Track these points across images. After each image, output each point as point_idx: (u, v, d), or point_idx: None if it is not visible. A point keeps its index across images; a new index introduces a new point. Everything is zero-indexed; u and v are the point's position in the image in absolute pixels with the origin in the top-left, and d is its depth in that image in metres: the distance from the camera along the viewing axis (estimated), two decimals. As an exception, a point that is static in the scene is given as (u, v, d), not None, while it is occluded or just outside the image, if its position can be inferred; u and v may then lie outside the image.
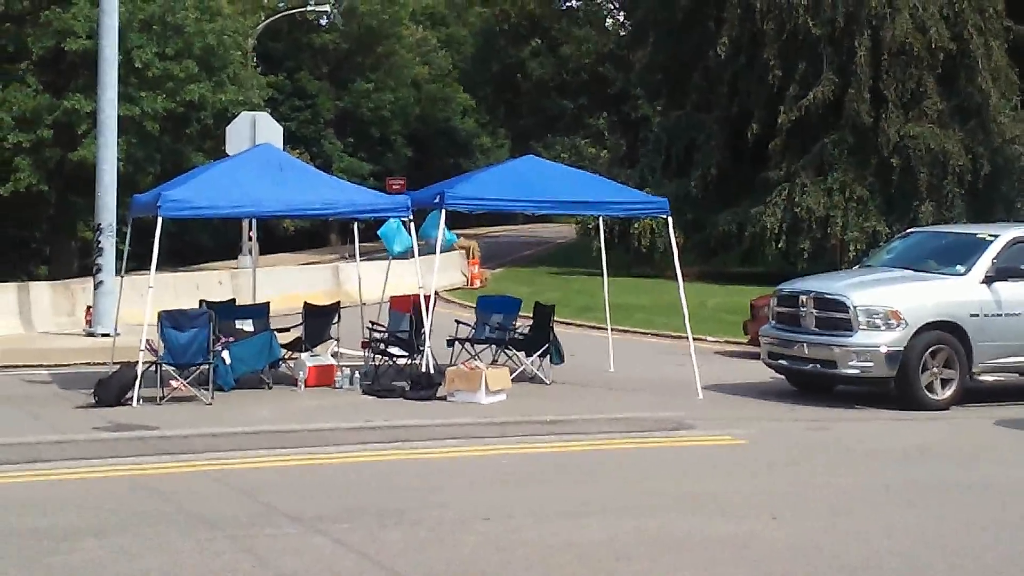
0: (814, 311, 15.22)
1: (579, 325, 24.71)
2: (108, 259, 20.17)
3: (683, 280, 16.68)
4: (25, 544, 7.99)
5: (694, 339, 16.65)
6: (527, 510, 9.17)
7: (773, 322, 16.04)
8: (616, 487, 10.20)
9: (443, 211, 15.90)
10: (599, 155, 50.97)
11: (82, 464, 10.83)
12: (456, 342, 16.96)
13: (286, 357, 16.42)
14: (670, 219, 17.06)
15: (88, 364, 17.78)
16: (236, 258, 40.88)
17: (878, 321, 14.63)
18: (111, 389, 14.04)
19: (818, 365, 15.13)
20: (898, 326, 14.59)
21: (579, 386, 16.34)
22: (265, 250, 33.42)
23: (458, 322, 17.57)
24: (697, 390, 15.45)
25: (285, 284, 28.43)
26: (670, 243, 17.52)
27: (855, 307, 14.72)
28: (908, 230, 19.92)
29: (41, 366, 17.82)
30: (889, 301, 14.77)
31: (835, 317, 14.94)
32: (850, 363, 14.67)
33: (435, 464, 11.20)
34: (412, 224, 16.34)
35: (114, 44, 20.87)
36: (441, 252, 16.17)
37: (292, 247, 57.06)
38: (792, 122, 38.99)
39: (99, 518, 8.77)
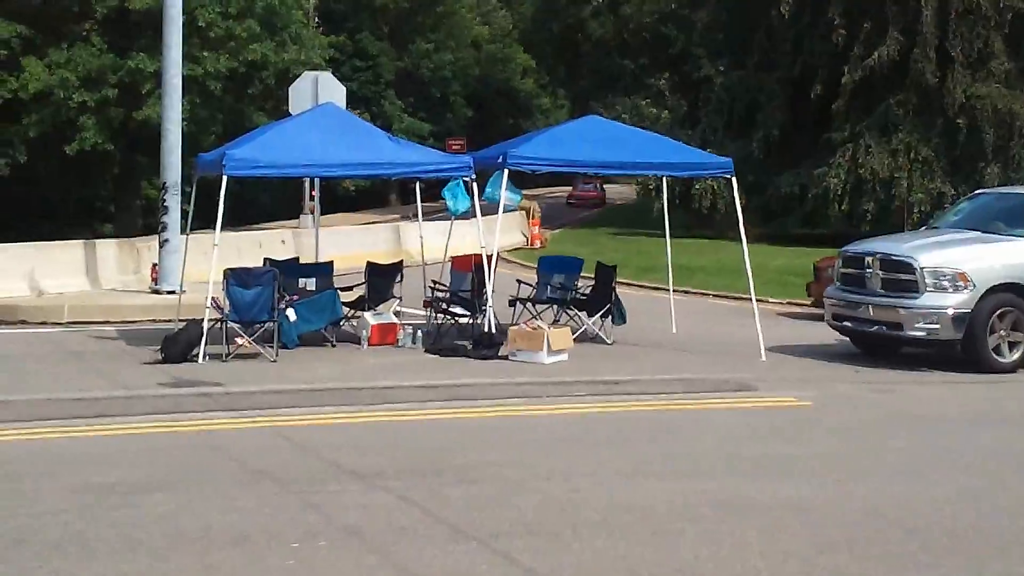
0: (880, 272, 15.06)
1: (640, 286, 24.66)
2: (173, 218, 20.37)
3: (745, 242, 16.56)
4: (92, 498, 8.08)
5: (757, 300, 16.53)
6: (589, 470, 9.17)
7: (838, 283, 15.90)
8: (679, 448, 10.17)
9: (505, 171, 15.88)
10: (660, 115, 50.62)
11: (149, 420, 10.95)
12: (518, 302, 16.98)
13: (349, 315, 16.52)
14: (734, 180, 16.94)
15: (154, 321, 18.04)
16: (297, 217, 41.16)
17: (945, 283, 14.47)
18: (177, 346, 14.20)
19: (884, 327, 14.99)
20: (965, 288, 14.42)
21: (641, 347, 16.30)
22: (325, 210, 33.65)
23: (520, 282, 17.58)
24: (760, 351, 15.37)
25: (347, 243, 28.57)
26: (733, 204, 17.40)
27: (922, 268, 14.55)
28: (975, 191, 19.64)
29: (108, 323, 18.08)
30: (956, 263, 14.60)
31: (901, 279, 14.78)
32: (916, 325, 14.52)
33: (497, 423, 11.22)
34: (475, 184, 16.35)
35: (178, 3, 20.99)
36: (504, 212, 16.16)
37: (352, 207, 57.30)
38: (856, 82, 38.55)
39: (165, 473, 8.86)
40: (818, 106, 40.13)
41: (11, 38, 38.26)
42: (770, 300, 21.78)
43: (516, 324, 15.79)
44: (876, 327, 15.13)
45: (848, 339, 16.07)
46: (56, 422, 10.73)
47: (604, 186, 68.98)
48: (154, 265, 20.87)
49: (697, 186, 40.56)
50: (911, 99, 38.44)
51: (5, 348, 15.68)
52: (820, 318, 16.87)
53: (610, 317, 16.71)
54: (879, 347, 15.64)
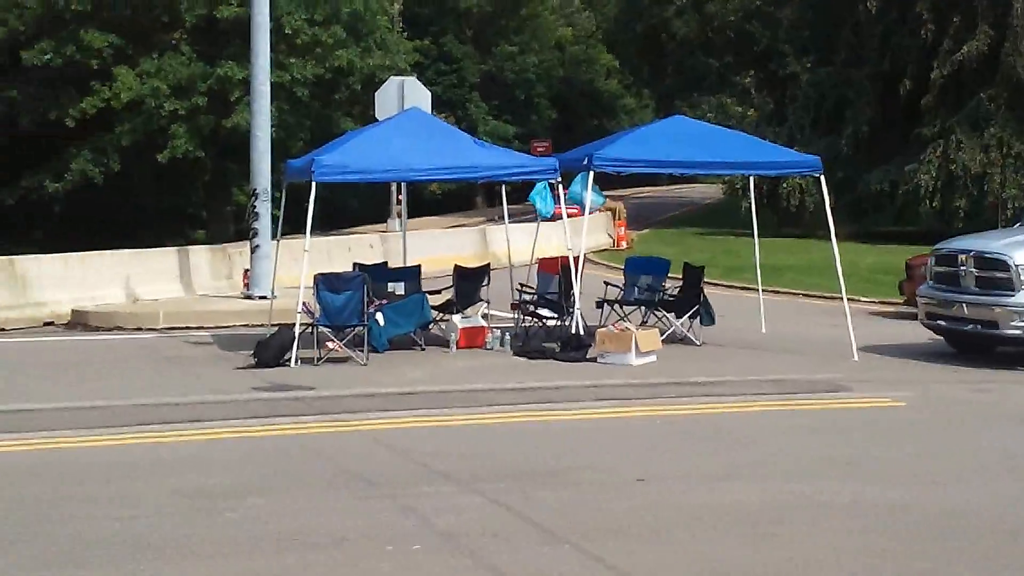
0: (974, 270, 14.81)
1: (728, 286, 24.50)
2: (264, 223, 20.65)
3: (835, 240, 16.39)
4: (189, 502, 8.22)
5: (848, 300, 16.34)
6: (680, 472, 9.15)
7: (931, 282, 15.66)
8: (770, 450, 10.09)
9: (591, 173, 15.86)
10: (745, 114, 50.22)
11: (243, 424, 11.11)
12: (605, 303, 16.96)
13: (437, 319, 16.61)
14: (823, 178, 16.76)
15: (246, 326, 18.27)
16: (384, 221, 41.47)
17: (1041, 281, 14.19)
18: (270, 350, 14.38)
19: (978, 326, 14.74)
20: (1062, 285, 14.14)
21: (730, 347, 16.20)
22: (412, 213, 33.89)
23: (606, 283, 17.55)
24: (853, 351, 15.19)
25: (434, 247, 28.74)
26: (822, 202, 17.23)
27: (1017, 266, 14.28)
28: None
29: (202, 328, 18.35)
30: (1053, 260, 14.31)
31: (996, 276, 14.52)
32: (1012, 324, 14.26)
33: (586, 425, 11.22)
34: (560, 186, 16.36)
35: (265, 11, 21.26)
36: (589, 213, 16.15)
37: (438, 210, 57.58)
38: (945, 77, 37.97)
39: (260, 477, 8.99)
40: (907, 101, 39.58)
41: (103, 48, 38.99)
42: (862, 299, 21.53)
43: (604, 326, 15.75)
44: (971, 326, 14.88)
45: (942, 338, 15.82)
46: (154, 427, 10.92)
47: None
48: (246, 271, 21.17)
49: (785, 184, 40.19)
50: (1002, 93, 37.75)
51: (103, 354, 15.98)
52: (913, 317, 16.63)
53: (698, 318, 16.62)
54: (974, 346, 15.38)
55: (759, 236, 19.03)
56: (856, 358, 15.06)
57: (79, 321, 18.94)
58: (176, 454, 9.90)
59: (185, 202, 48.53)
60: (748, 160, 16.87)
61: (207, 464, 9.45)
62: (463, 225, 42.10)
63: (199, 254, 23.15)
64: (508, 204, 19.55)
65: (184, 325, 18.53)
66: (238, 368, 14.30)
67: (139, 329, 18.39)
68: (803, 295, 23.69)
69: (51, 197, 41.33)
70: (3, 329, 18.33)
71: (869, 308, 21.19)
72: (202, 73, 39.17)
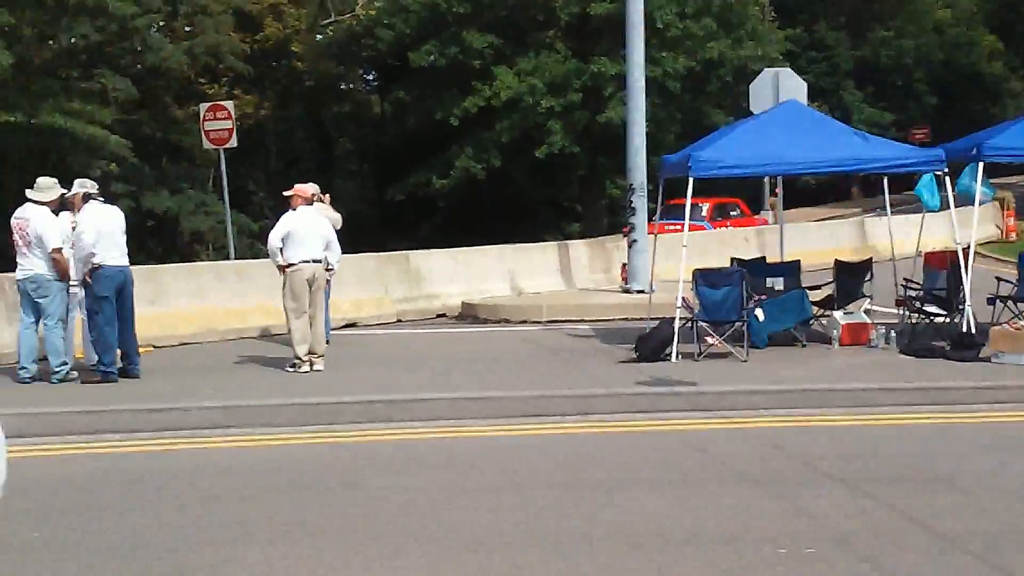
0: None
1: None
2: (640, 218, 20.92)
3: None
4: (579, 494, 8.41)
5: None
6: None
7: None
8: None
9: (980, 163, 15.19)
10: None
11: (628, 417, 11.32)
12: (998, 300, 16.20)
13: (818, 315, 16.35)
14: None
15: (625, 320, 18.58)
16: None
17: None
18: (650, 344, 14.60)
19: None
20: None
21: None
22: (785, 204, 33.28)
23: (998, 279, 16.78)
24: None
25: (808, 240, 28.29)
26: None
27: None
28: None
29: (582, 321, 18.84)
30: None
31: None
32: None
33: (981, 429, 10.73)
34: (947, 178, 15.75)
35: (640, 8, 21.49)
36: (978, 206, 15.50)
37: (811, 201, 56.50)
38: None
39: (647, 472, 9.13)
40: None
41: (484, 49, 40.49)
42: None
43: (997, 324, 15.05)
44: None
45: None
46: (544, 418, 11.31)
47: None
48: (623, 265, 21.55)
49: None
50: None
51: (493, 346, 16.70)
52: None
53: (1105, 316, 15.60)
54: None
55: None
56: None
57: (468, 313, 19.87)
58: (566, 446, 10.19)
59: (560, 196, 49.65)
60: None
61: (595, 456, 9.67)
62: (838, 216, 41.14)
63: (577, 248, 23.75)
64: (889, 194, 18.97)
65: (565, 318, 19.07)
66: (620, 362, 14.59)
67: (524, 322, 19.07)
68: None
69: (437, 193, 43.34)
70: (400, 320, 19.51)
71: None
72: (576, 70, 40.00)
